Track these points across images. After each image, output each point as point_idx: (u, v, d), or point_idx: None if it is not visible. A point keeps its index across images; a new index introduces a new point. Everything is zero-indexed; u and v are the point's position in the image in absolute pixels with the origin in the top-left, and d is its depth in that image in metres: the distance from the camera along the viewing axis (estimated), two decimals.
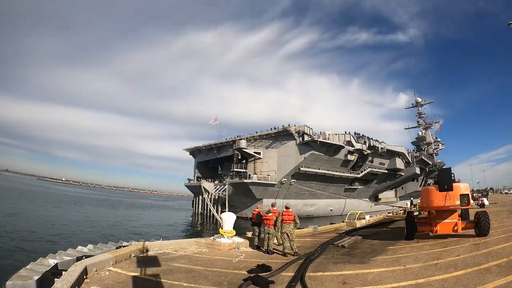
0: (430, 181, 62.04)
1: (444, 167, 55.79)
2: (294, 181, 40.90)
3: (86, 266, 5.57)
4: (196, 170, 54.62)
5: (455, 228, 10.14)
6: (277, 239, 9.89)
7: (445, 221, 10.27)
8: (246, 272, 6.54)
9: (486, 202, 29.09)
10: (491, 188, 54.42)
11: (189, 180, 54.07)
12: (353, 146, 43.98)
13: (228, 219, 10.02)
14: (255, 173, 40.64)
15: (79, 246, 7.92)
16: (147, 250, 8.23)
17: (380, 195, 58.62)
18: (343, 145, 42.15)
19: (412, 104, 78.53)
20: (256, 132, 43.72)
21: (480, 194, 39.77)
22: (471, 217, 11.84)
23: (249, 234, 11.44)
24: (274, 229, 9.42)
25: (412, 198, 41.52)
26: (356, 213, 20.08)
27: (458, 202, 9.72)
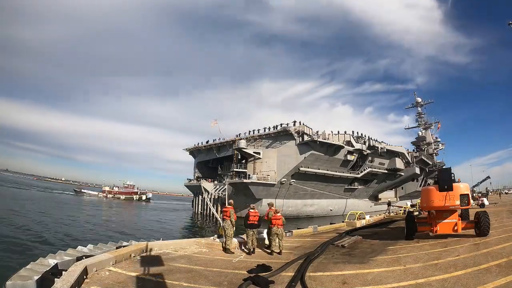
0: (430, 181, 62.09)
1: (444, 167, 55.84)
2: (293, 181, 40.90)
3: (86, 266, 5.56)
4: (196, 170, 54.62)
5: (455, 228, 10.15)
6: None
7: (445, 221, 10.28)
8: (246, 272, 6.55)
9: (486, 202, 29.10)
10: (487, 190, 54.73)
11: (189, 180, 54.08)
12: (352, 146, 44.00)
13: None
14: (255, 173, 40.65)
15: (79, 246, 7.91)
16: (147, 250, 8.23)
17: (380, 195, 58.64)
18: (343, 145, 42.16)
19: (412, 104, 78.63)
20: (256, 132, 43.70)
21: (480, 194, 39.82)
22: (471, 217, 11.84)
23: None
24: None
25: (412, 200, 41.55)
26: (356, 213, 20.08)
27: (458, 202, 9.73)
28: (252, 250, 9.15)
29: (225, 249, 9.12)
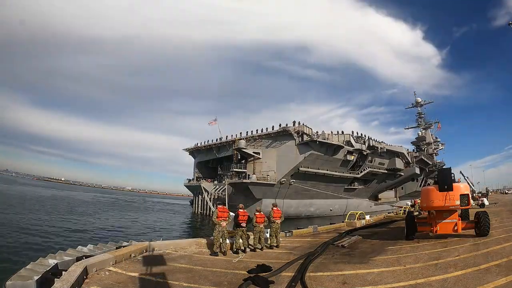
0: (430, 181, 62.11)
1: (444, 167, 55.86)
2: (293, 181, 40.89)
3: (86, 266, 5.57)
4: (196, 170, 54.62)
5: (455, 228, 10.15)
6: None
7: (445, 221, 10.28)
8: (246, 272, 6.54)
9: (486, 202, 29.12)
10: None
11: (189, 180, 54.07)
12: (352, 146, 44.01)
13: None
14: (255, 173, 40.64)
15: (79, 246, 7.90)
16: (147, 250, 8.23)
17: (380, 195, 58.68)
18: (343, 145, 42.17)
19: (412, 104, 78.67)
20: (256, 132, 43.67)
21: (480, 194, 39.85)
22: (471, 217, 11.85)
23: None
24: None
25: (414, 199, 41.52)
26: (356, 213, 20.08)
27: (458, 202, 9.73)
28: (243, 249, 9.18)
29: (216, 253, 8.68)
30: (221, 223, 8.81)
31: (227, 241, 9.15)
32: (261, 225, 9.82)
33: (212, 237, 9.13)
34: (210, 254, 8.67)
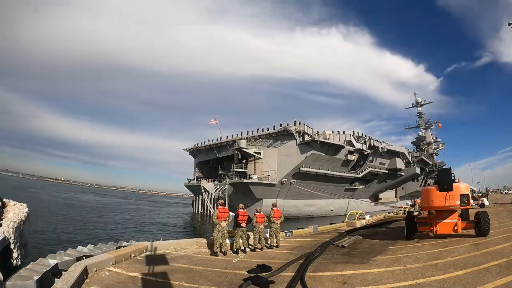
0: (430, 181, 62.06)
1: (444, 167, 55.82)
2: (294, 181, 40.85)
3: (86, 266, 5.57)
4: (197, 170, 54.57)
5: (455, 228, 10.14)
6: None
7: (445, 221, 10.28)
8: (246, 272, 6.54)
9: (486, 202, 29.09)
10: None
11: (189, 180, 54.02)
12: (353, 146, 43.94)
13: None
14: (255, 173, 40.60)
15: (79, 246, 7.93)
16: (147, 250, 8.23)
17: (380, 195, 58.62)
18: (344, 145, 42.11)
19: (412, 104, 78.60)
20: (257, 131, 43.63)
21: (480, 194, 39.79)
22: (471, 217, 11.84)
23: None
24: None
25: (414, 199, 41.49)
26: (356, 213, 20.08)
27: (458, 202, 9.72)
28: (243, 249, 9.19)
29: (216, 253, 8.71)
30: (221, 223, 8.80)
31: (227, 241, 9.14)
32: (261, 225, 9.81)
33: (212, 237, 9.14)
34: (210, 254, 8.68)
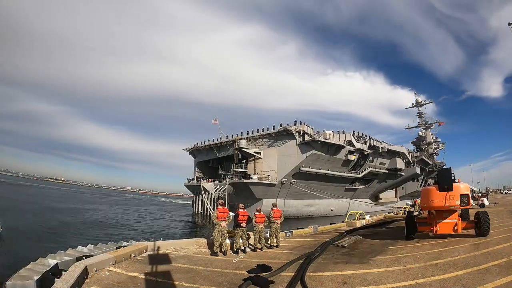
0: (430, 181, 62.03)
1: (444, 167, 55.81)
2: (294, 181, 40.83)
3: (86, 266, 5.57)
4: (197, 170, 54.54)
5: (455, 228, 10.14)
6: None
7: (445, 221, 10.27)
8: (246, 272, 6.54)
9: (486, 202, 29.10)
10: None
11: (189, 180, 54.00)
12: (353, 146, 43.90)
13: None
14: (256, 173, 40.58)
15: (79, 246, 7.92)
16: (147, 250, 8.23)
17: (380, 195, 58.62)
18: (344, 145, 42.08)
19: (412, 104, 78.60)
20: (257, 131, 43.61)
21: (480, 194, 39.80)
22: (471, 217, 11.84)
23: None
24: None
25: (414, 199, 41.47)
26: (356, 213, 20.08)
27: (458, 202, 9.72)
28: (243, 249, 9.21)
29: (216, 253, 8.68)
30: (221, 223, 8.80)
31: (227, 241, 9.14)
32: (261, 225, 9.81)
33: (212, 237, 9.13)
34: (210, 254, 8.68)
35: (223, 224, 8.84)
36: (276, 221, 10.28)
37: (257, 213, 9.99)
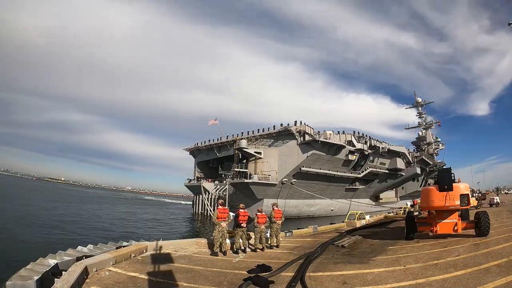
0: (430, 181, 62.01)
1: (444, 167, 55.78)
2: (295, 181, 40.81)
3: (86, 266, 5.57)
4: (197, 170, 54.52)
5: (455, 228, 10.14)
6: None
7: (445, 221, 10.28)
8: (246, 272, 6.55)
9: (497, 200, 29.79)
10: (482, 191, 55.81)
11: (189, 180, 54.00)
12: (354, 146, 43.88)
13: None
14: (256, 173, 40.56)
15: (79, 246, 7.91)
16: (147, 250, 8.24)
17: (381, 195, 58.58)
18: (344, 145, 42.06)
19: (412, 104, 78.54)
20: (258, 131, 43.59)
21: (480, 194, 39.86)
22: (471, 217, 11.84)
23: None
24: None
25: (414, 199, 41.43)
26: (356, 213, 20.08)
27: (458, 202, 9.72)
28: (243, 249, 9.24)
29: (216, 253, 8.71)
30: (221, 223, 8.80)
31: (227, 241, 9.15)
32: (263, 226, 9.80)
33: (212, 237, 9.14)
34: (210, 254, 8.69)
35: (224, 224, 8.84)
36: (277, 221, 10.30)
37: (259, 213, 9.98)
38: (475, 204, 27.77)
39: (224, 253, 8.71)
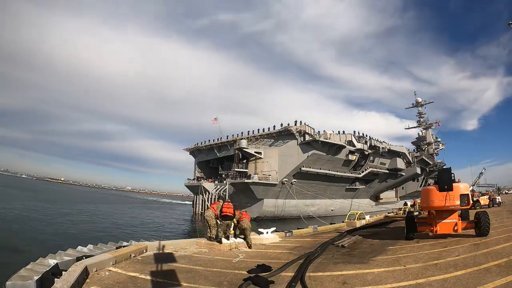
0: (430, 181, 62.00)
1: (444, 167, 55.77)
2: (295, 181, 40.81)
3: (86, 266, 5.57)
4: (198, 170, 54.50)
5: (455, 228, 10.14)
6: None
7: (445, 221, 10.27)
8: (246, 272, 6.54)
9: (499, 199, 29.92)
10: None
11: (189, 180, 53.98)
12: (354, 146, 43.92)
13: None
14: (256, 173, 40.57)
15: (79, 246, 7.91)
16: (147, 250, 8.23)
17: (381, 195, 58.59)
18: (345, 145, 42.08)
19: (412, 104, 78.51)
20: (258, 131, 43.58)
21: (479, 194, 39.93)
22: (471, 217, 11.83)
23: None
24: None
25: (414, 199, 41.39)
26: (356, 213, 20.07)
27: (458, 202, 9.72)
28: (226, 237, 9.78)
29: (209, 238, 9.74)
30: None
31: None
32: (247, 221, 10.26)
33: (207, 222, 9.98)
34: (208, 240, 9.51)
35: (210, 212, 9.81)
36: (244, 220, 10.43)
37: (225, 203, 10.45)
38: (487, 203, 28.00)
39: (220, 242, 9.45)
